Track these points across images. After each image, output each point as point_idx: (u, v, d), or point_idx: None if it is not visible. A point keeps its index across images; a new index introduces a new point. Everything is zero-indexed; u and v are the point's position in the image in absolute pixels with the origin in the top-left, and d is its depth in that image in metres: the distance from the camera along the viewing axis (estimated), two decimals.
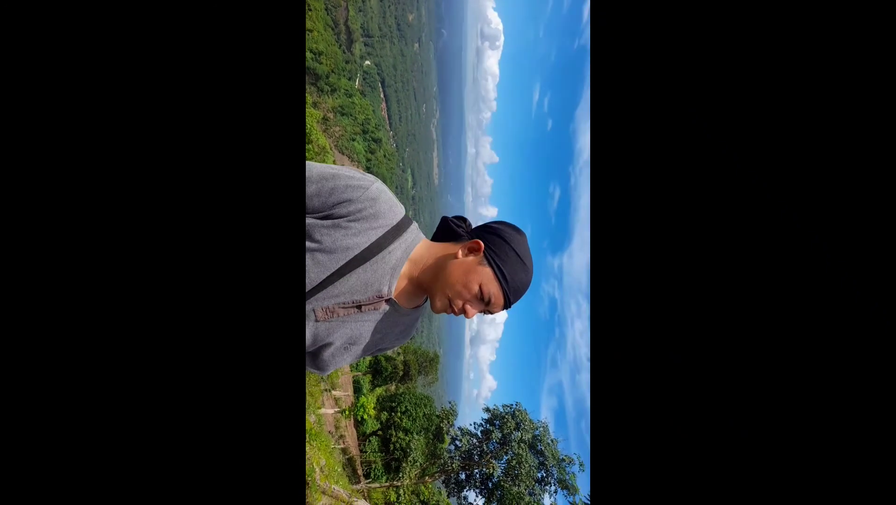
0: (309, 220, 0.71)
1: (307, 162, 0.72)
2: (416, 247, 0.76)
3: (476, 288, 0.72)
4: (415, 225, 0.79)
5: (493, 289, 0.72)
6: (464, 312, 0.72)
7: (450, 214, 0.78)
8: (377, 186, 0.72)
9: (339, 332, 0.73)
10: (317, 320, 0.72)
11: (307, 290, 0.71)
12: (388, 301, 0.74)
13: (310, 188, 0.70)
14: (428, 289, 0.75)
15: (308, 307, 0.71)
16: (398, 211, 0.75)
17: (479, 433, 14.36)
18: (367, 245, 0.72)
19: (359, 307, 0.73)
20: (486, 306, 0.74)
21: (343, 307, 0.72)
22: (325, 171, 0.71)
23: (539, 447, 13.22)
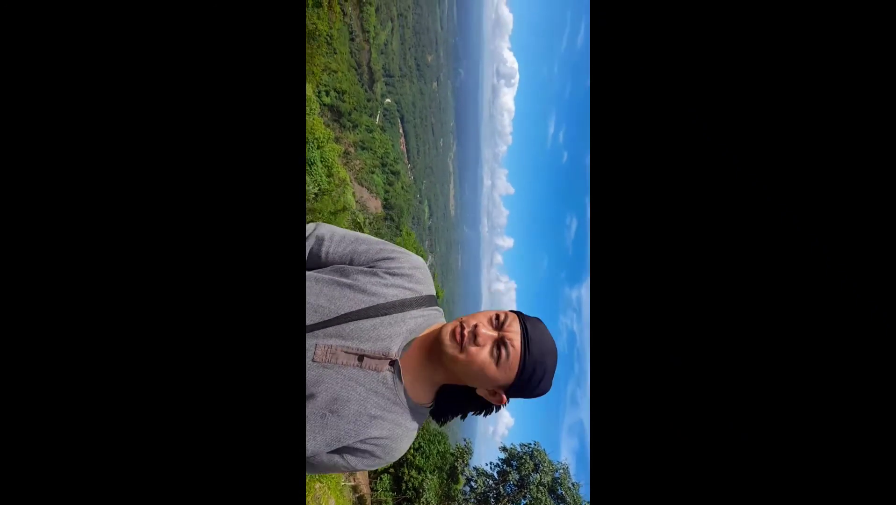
0: (349, 266, 0.74)
1: (366, 235, 0.80)
2: (437, 323, 0.75)
3: (492, 313, 0.70)
4: (441, 310, 0.78)
5: (511, 317, 0.69)
6: (475, 333, 0.67)
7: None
8: (420, 259, 0.78)
9: (327, 384, 0.66)
10: (313, 360, 0.67)
11: (324, 319, 0.69)
12: (392, 365, 0.69)
13: (361, 246, 0.76)
14: (440, 330, 0.71)
15: (311, 341, 0.67)
16: (431, 289, 0.77)
17: (495, 474, 13.66)
18: (393, 298, 0.72)
19: (361, 358, 0.68)
20: (501, 331, 0.68)
21: (346, 352, 0.68)
22: (380, 240, 0.78)
23: (559, 491, 12.44)
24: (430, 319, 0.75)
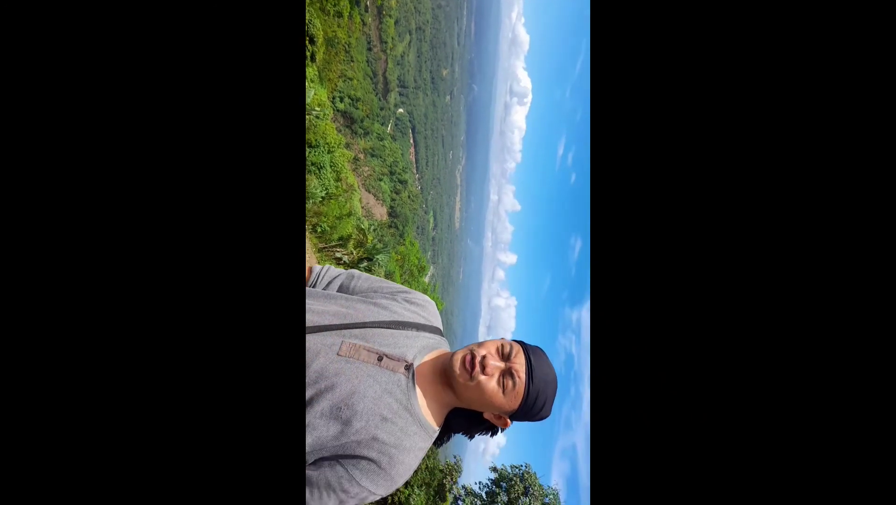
0: (374, 293, 0.89)
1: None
2: (444, 348, 0.85)
3: (498, 343, 0.78)
4: (446, 340, 0.88)
5: (516, 348, 0.77)
6: (484, 364, 0.74)
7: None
8: (431, 299, 0.91)
9: (347, 376, 0.72)
10: (338, 354, 0.73)
11: (350, 322, 0.78)
12: (408, 370, 0.75)
13: (383, 283, 0.91)
14: (450, 357, 0.79)
15: (337, 338, 0.75)
16: (439, 322, 0.89)
17: (483, 494, 13.33)
18: (409, 319, 0.83)
19: (381, 358, 0.75)
20: (508, 362, 0.75)
21: (368, 351, 0.75)
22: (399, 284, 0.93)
23: None
24: (440, 344, 0.85)
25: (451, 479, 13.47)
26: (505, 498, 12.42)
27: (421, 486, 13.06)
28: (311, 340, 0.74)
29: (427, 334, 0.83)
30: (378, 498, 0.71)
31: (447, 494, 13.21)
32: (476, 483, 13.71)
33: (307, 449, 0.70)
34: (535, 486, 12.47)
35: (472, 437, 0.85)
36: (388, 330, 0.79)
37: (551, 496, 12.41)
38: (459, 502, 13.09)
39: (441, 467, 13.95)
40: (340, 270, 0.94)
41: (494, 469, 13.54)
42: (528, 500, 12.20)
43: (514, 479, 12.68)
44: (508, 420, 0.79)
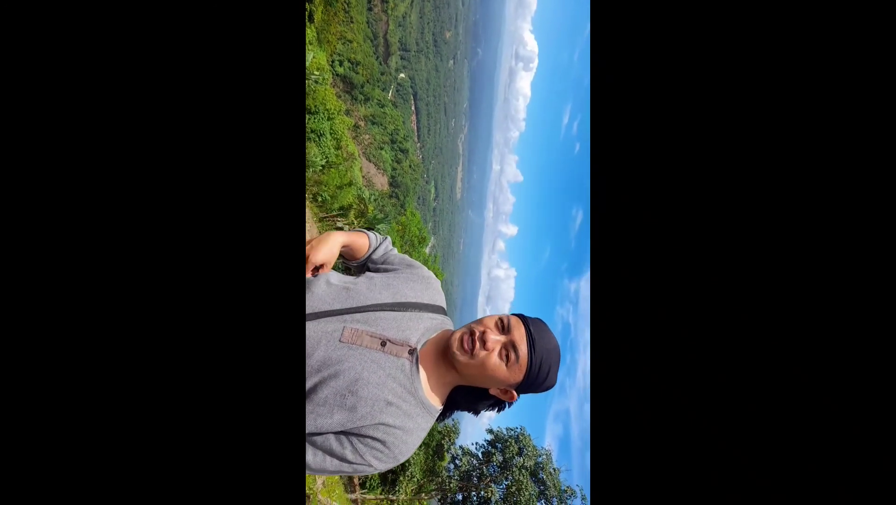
0: (381, 266, 0.89)
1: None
2: (447, 328, 0.82)
3: (496, 318, 0.75)
4: (450, 319, 0.87)
5: (514, 320, 0.75)
6: (484, 339, 0.72)
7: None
8: (434, 275, 0.90)
9: (350, 363, 0.71)
10: (340, 340, 0.72)
11: (351, 306, 0.76)
12: (411, 354, 0.74)
13: (393, 255, 0.92)
14: (449, 336, 0.77)
15: (339, 324, 0.74)
16: (443, 300, 0.87)
17: (480, 455, 14.02)
18: (412, 299, 0.80)
19: (384, 344, 0.73)
20: (507, 335, 0.73)
21: (371, 336, 0.73)
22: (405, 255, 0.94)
23: (541, 475, 12.80)
24: (443, 324, 0.82)
25: (449, 440, 14.12)
26: (500, 458, 13.07)
27: (420, 446, 13.69)
28: (312, 328, 0.73)
29: (430, 315, 0.81)
30: (376, 472, 0.72)
31: (445, 453, 13.89)
32: (473, 444, 14.39)
33: (313, 434, 0.70)
34: (529, 447, 13.08)
35: (477, 413, 0.83)
36: (392, 313, 0.77)
37: (544, 456, 13.06)
38: (457, 462, 13.79)
39: (439, 429, 14.60)
40: (380, 236, 0.93)
41: (490, 431, 14.16)
42: (522, 459, 12.84)
43: (510, 440, 13.30)
44: (514, 393, 0.77)
